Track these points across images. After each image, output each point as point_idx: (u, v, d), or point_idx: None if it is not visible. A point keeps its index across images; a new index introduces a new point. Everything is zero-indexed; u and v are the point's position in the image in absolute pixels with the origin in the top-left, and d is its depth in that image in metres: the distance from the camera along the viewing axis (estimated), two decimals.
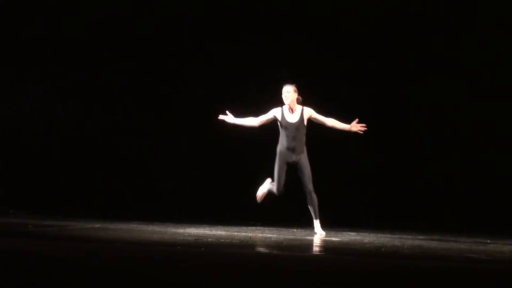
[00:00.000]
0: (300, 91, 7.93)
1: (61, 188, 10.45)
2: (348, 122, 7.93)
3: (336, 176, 9.82)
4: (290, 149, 7.89)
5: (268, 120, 8.01)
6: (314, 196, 7.92)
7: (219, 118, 8.02)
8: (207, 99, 9.99)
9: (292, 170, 7.96)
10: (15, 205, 9.90)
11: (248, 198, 8.40)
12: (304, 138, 7.92)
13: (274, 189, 7.99)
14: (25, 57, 10.64)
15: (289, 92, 7.87)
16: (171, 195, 10.15)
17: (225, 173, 9.82)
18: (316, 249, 6.50)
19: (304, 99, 7.96)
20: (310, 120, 7.95)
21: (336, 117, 7.95)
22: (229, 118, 8.03)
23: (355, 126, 7.93)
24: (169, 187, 10.23)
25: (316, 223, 7.96)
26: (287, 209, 9.03)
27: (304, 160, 7.91)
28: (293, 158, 7.90)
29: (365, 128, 7.94)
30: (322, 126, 7.97)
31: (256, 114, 8.04)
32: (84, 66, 10.53)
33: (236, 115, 8.00)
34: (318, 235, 7.84)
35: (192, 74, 10.19)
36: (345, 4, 9.89)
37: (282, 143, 7.94)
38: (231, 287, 4.60)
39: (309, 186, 7.91)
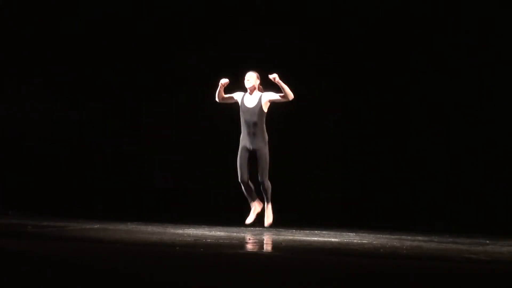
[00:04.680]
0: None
1: (61, 189, 10.45)
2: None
3: (336, 176, 9.82)
4: (250, 135, 8.09)
5: (230, 98, 8.25)
6: (267, 184, 8.17)
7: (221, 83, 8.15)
8: (207, 99, 9.98)
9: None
10: (14, 205, 9.90)
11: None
12: (263, 125, 8.11)
13: (239, 179, 8.19)
14: (26, 57, 10.64)
15: (252, 77, 8.13)
16: (170, 195, 10.14)
17: (224, 173, 9.81)
18: (314, 249, 6.49)
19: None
20: (276, 103, 8.11)
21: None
22: (224, 81, 8.17)
23: (271, 77, 8.00)
24: (168, 188, 10.23)
25: (268, 206, 8.26)
26: (286, 210, 9.03)
27: (263, 149, 8.09)
28: (253, 145, 8.09)
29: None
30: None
31: None
32: (85, 66, 10.52)
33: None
34: (266, 220, 8.23)
35: (193, 74, 10.18)
36: (340, 3, 9.89)
37: (242, 131, 8.16)
38: None
39: (261, 177, 8.12)
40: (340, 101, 9.89)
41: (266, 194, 8.22)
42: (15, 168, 10.62)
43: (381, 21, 9.72)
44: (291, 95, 8.00)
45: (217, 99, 8.29)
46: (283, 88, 7.97)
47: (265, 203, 8.29)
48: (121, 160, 10.53)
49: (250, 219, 8.29)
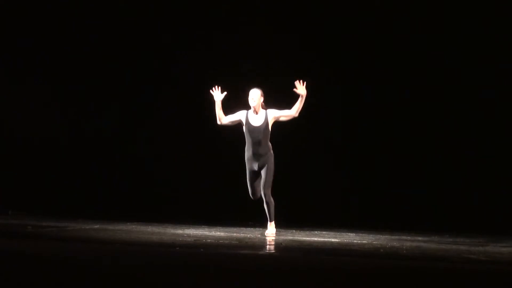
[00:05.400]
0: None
1: (60, 189, 10.45)
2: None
3: (336, 176, 9.82)
4: (256, 154, 7.85)
5: (233, 122, 7.99)
6: (269, 200, 7.87)
7: (210, 90, 8.01)
8: (207, 100, 10.00)
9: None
10: (14, 206, 9.90)
11: (247, 198, 8.40)
12: (268, 142, 7.88)
13: (250, 194, 7.98)
14: (23, 59, 10.64)
15: (256, 95, 7.87)
16: (170, 196, 10.14)
17: (224, 174, 9.82)
18: (314, 250, 6.50)
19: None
20: (278, 121, 7.90)
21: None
22: (217, 95, 7.99)
23: (299, 90, 7.73)
24: (168, 188, 10.23)
25: (270, 224, 7.93)
26: (286, 210, 9.03)
27: (268, 164, 7.85)
28: (259, 163, 7.86)
29: (301, 83, 7.74)
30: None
31: None
32: (84, 68, 10.52)
33: (225, 111, 8.00)
34: (269, 234, 7.81)
35: (192, 75, 10.18)
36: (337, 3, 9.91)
37: (247, 149, 7.91)
38: None
39: (264, 190, 7.84)
40: (341, 101, 9.89)
41: (269, 210, 7.89)
42: (15, 168, 10.62)
43: (381, 21, 9.72)
44: (298, 112, 7.80)
45: (218, 121, 8.03)
46: (301, 102, 7.71)
47: (268, 220, 7.95)
48: (121, 160, 10.53)
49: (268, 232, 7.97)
